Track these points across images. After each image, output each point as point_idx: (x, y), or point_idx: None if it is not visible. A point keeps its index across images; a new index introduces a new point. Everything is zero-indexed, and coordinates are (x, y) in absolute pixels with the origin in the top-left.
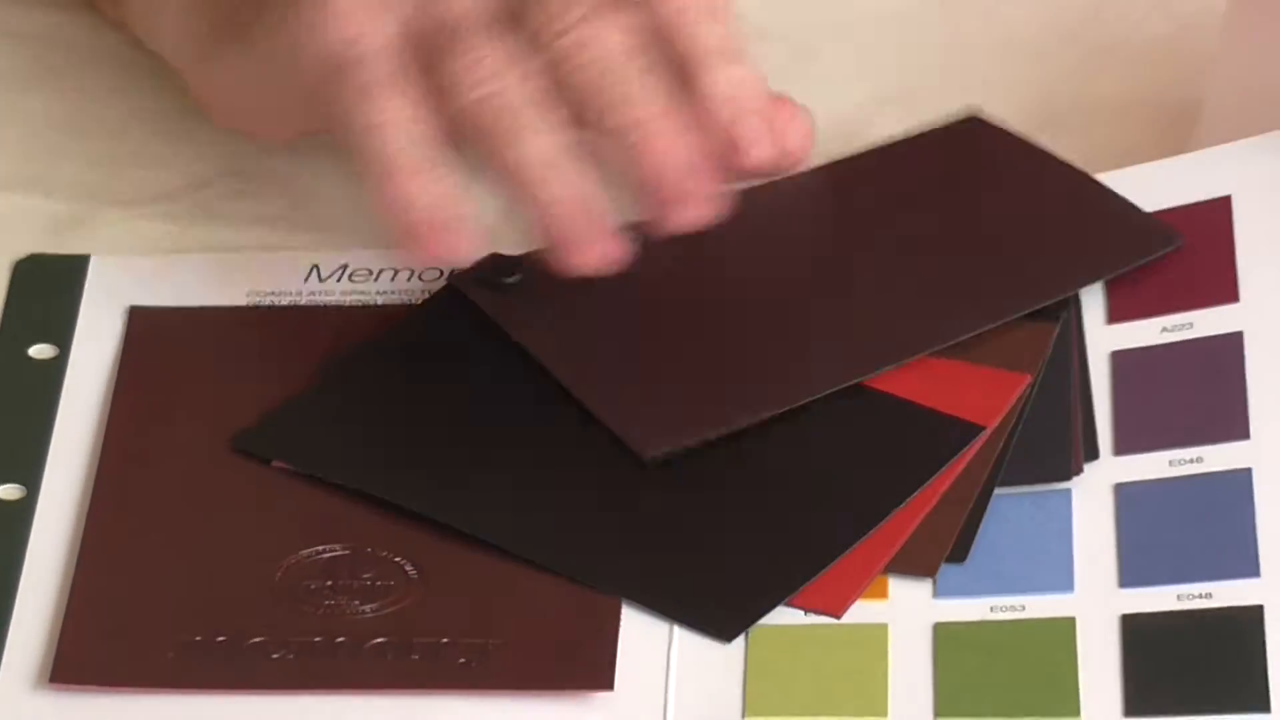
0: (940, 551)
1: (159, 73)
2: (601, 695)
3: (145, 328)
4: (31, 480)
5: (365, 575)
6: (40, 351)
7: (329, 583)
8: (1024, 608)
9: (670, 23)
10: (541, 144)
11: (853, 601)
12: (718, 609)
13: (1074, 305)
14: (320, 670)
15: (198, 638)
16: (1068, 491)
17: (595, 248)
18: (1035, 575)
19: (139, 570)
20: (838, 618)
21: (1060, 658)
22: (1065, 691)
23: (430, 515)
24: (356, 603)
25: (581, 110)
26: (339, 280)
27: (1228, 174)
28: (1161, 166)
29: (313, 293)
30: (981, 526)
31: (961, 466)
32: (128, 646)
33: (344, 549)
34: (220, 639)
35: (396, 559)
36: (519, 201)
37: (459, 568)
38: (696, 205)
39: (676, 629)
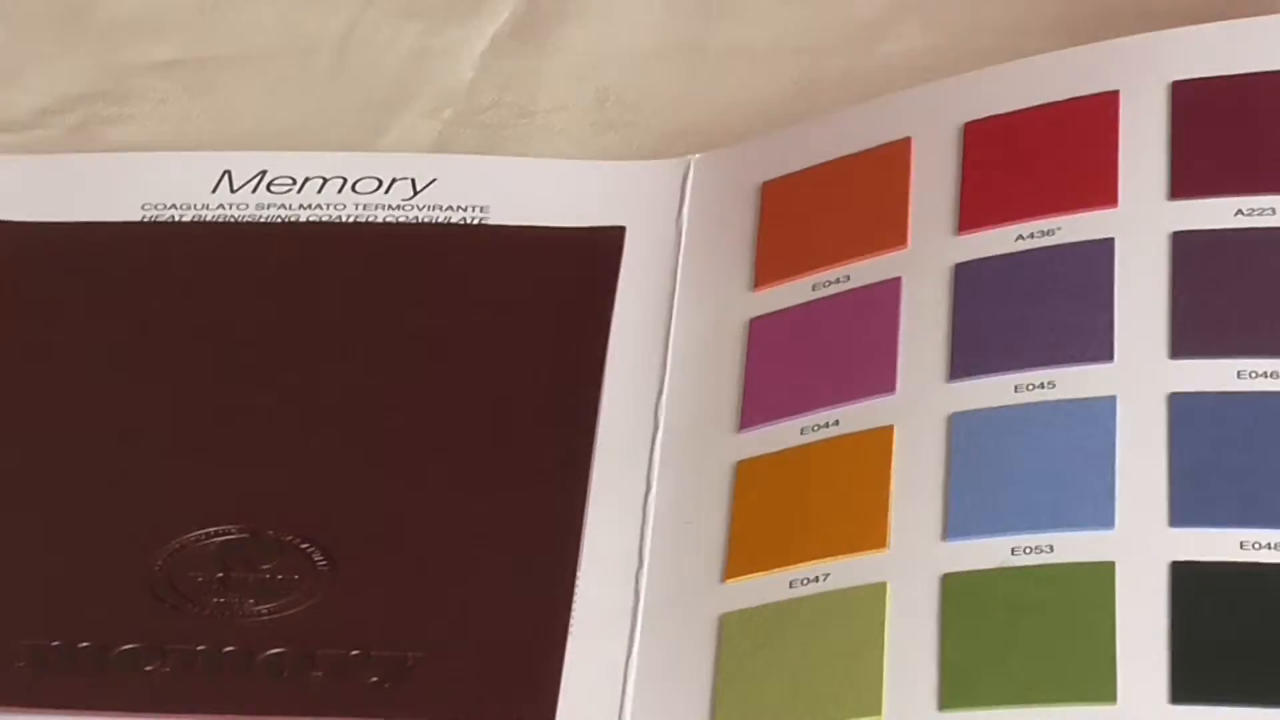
0: None
1: None
2: None
3: (13, 247)
4: None
5: (264, 566)
6: None
7: (220, 575)
8: (1052, 549)
9: None
10: None
11: None
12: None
13: None
14: (201, 690)
15: (55, 643)
16: (1112, 400)
17: None
18: (1068, 506)
19: None
20: None
21: (1095, 620)
22: (1099, 668)
23: None
24: (251, 602)
25: None
26: (255, 190)
27: None
28: (1247, 25)
29: (222, 205)
30: (1005, 439)
31: None
32: None
33: (240, 531)
34: (83, 645)
35: (303, 545)
36: None
37: (377, 556)
38: None
39: (635, 647)
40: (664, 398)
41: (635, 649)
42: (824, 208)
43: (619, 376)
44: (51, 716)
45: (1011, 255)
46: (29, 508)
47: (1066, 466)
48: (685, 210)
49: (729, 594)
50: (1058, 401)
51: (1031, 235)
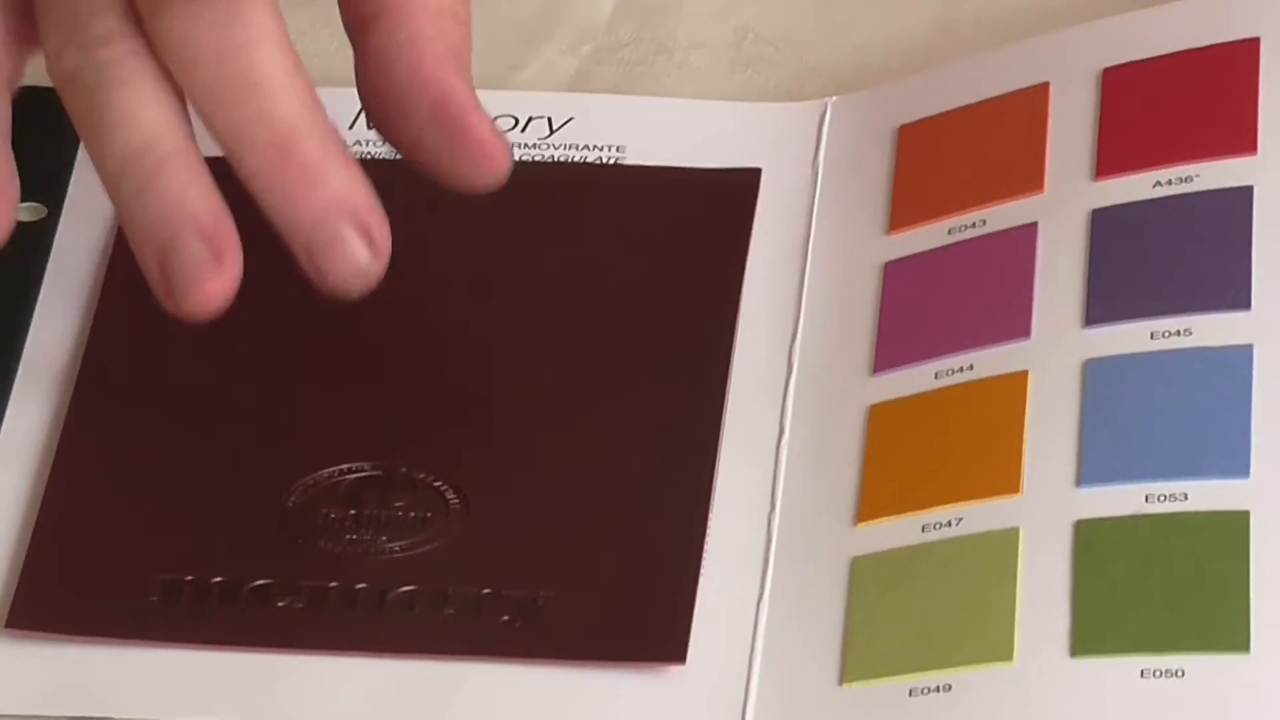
0: None
1: None
2: (672, 669)
3: None
4: (4, 377)
5: (397, 504)
6: (26, 213)
7: (353, 512)
8: (1187, 497)
9: None
10: (132, 137)
11: None
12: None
13: None
14: (333, 626)
15: (189, 577)
16: (1249, 349)
17: (205, 285)
18: (1203, 454)
19: (121, 490)
20: None
21: (1229, 569)
22: (1232, 617)
23: None
24: (384, 539)
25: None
26: None
27: None
28: None
29: (359, 141)
30: (1140, 386)
31: None
32: (102, 585)
33: (374, 468)
34: (217, 579)
35: (437, 483)
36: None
37: (509, 495)
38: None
39: (767, 589)
40: (798, 340)
41: (767, 591)
42: (960, 152)
43: (753, 319)
44: (183, 650)
45: (1149, 202)
46: (164, 443)
47: (1202, 414)
48: (822, 153)
49: (861, 537)
50: (1193, 349)
51: (1170, 182)
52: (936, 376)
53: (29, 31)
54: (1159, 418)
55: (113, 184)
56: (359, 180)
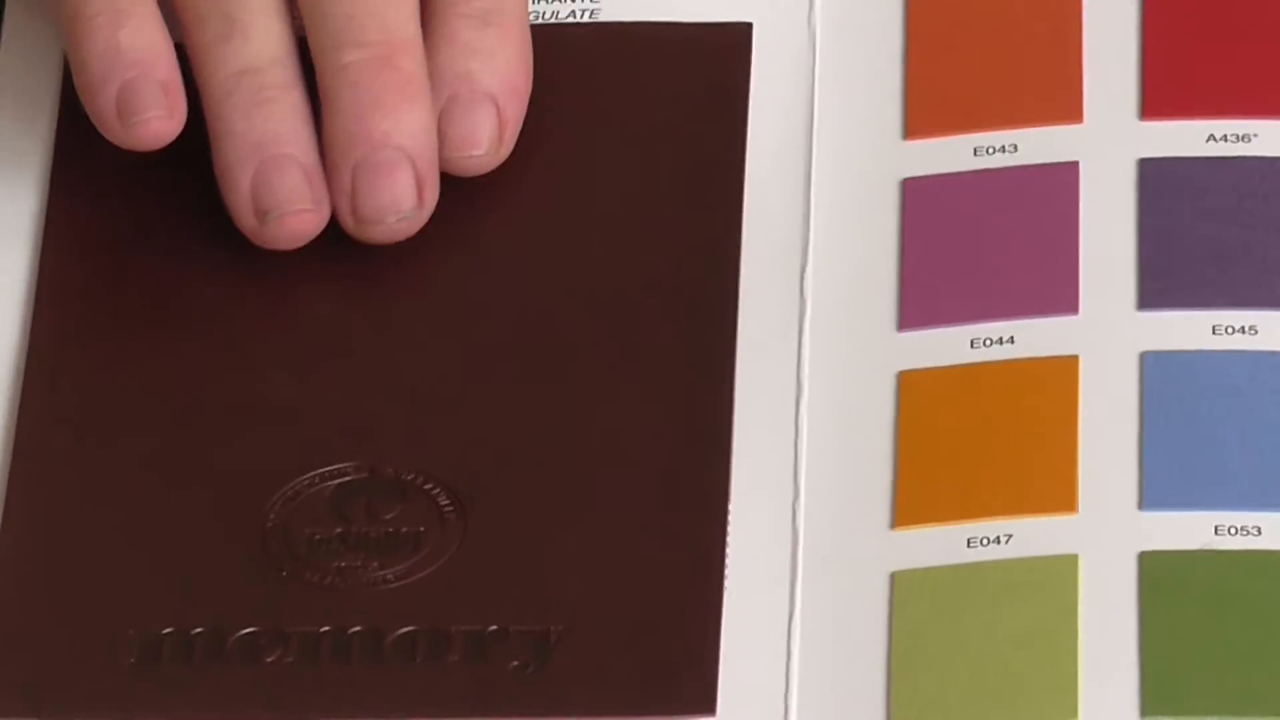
0: None
1: None
2: None
3: None
4: None
5: (387, 516)
6: None
7: (339, 530)
8: (1260, 531)
9: None
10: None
11: None
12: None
13: None
14: (330, 683)
15: (167, 630)
16: None
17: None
18: (1273, 481)
19: (82, 534)
20: None
21: None
22: None
23: None
24: (376, 565)
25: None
26: None
27: None
28: None
29: None
30: (1204, 390)
31: None
32: (75, 651)
33: (357, 470)
34: (198, 630)
35: (427, 486)
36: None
37: (505, 496)
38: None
39: (797, 626)
40: (809, 269)
41: (798, 609)
42: (983, 51)
43: (757, 238)
44: None
45: (1203, 160)
46: (124, 471)
47: (1270, 434)
48: (817, 9)
49: (900, 545)
50: (1258, 353)
51: (1224, 138)
52: (973, 346)
53: None
54: (1226, 432)
55: (224, 89)
56: (432, 129)
